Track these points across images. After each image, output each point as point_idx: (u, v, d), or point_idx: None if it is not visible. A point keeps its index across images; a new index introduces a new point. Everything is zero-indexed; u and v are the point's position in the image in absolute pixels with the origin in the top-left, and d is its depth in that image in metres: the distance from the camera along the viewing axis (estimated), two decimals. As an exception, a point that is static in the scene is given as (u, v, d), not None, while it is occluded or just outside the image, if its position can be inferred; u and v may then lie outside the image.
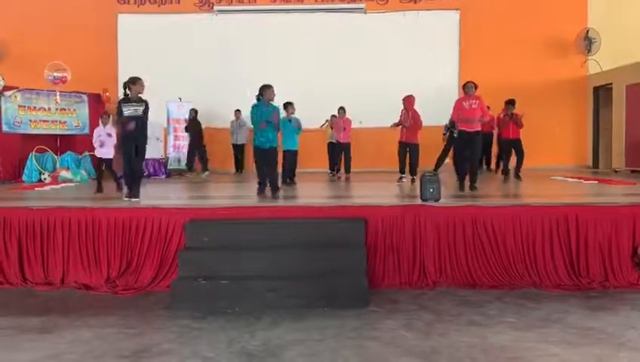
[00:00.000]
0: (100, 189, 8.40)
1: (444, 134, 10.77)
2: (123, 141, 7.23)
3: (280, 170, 8.37)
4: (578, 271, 5.88)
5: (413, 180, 9.69)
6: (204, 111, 13.63)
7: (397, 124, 9.96)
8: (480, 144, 8.27)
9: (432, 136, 11.22)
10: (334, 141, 11.71)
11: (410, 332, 4.48)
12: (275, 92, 7.56)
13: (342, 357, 4.00)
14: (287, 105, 9.77)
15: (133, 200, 7.07)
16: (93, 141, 8.86)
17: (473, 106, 8.04)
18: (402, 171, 9.97)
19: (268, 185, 7.63)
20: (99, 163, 8.93)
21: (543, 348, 4.11)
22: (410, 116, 9.72)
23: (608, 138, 13.65)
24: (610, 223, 5.93)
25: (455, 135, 9.77)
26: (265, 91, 7.46)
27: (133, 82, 7.02)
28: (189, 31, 14.32)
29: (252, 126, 7.78)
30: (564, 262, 5.91)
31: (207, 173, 12.57)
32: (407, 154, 9.92)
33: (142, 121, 7.05)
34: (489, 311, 5.01)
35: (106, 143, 8.73)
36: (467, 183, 8.07)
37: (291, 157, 9.86)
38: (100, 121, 9.03)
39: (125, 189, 7.32)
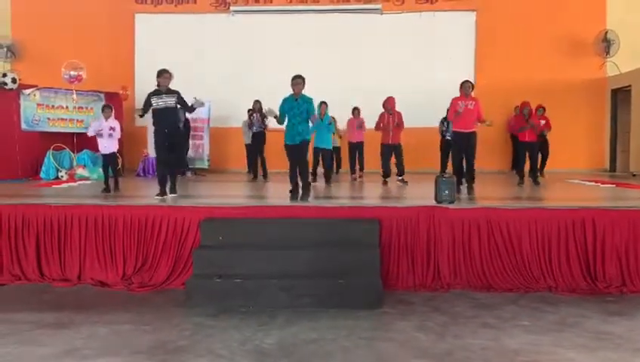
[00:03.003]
0: (107, 188, 8.09)
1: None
2: (155, 134, 7.31)
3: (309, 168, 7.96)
4: (594, 276, 5.82)
5: (404, 181, 9.61)
6: (220, 111, 13.71)
7: (379, 127, 9.74)
8: (475, 144, 8.10)
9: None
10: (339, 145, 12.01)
11: (424, 333, 4.47)
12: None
13: (355, 357, 4.00)
14: (321, 104, 9.79)
15: (170, 195, 7.15)
16: (89, 133, 8.25)
17: (469, 107, 7.93)
18: (388, 174, 9.74)
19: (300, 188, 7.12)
20: (103, 159, 8.45)
21: (558, 352, 4.08)
22: (395, 118, 9.63)
23: (626, 141, 13.45)
24: (628, 227, 5.86)
25: (448, 137, 9.71)
26: (291, 83, 7.03)
27: (158, 75, 7.21)
28: (206, 31, 14.40)
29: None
30: (580, 266, 5.85)
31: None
32: (392, 157, 9.76)
33: (173, 112, 7.14)
34: (504, 314, 4.98)
35: (108, 137, 8.22)
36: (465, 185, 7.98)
37: (327, 156, 9.90)
38: (102, 114, 8.46)
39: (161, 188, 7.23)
